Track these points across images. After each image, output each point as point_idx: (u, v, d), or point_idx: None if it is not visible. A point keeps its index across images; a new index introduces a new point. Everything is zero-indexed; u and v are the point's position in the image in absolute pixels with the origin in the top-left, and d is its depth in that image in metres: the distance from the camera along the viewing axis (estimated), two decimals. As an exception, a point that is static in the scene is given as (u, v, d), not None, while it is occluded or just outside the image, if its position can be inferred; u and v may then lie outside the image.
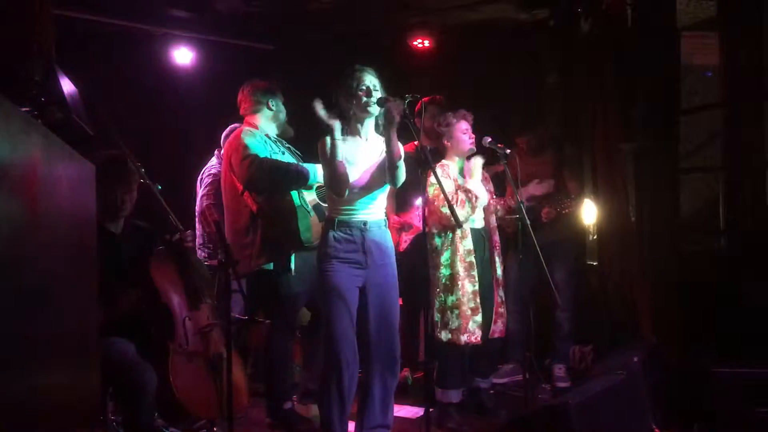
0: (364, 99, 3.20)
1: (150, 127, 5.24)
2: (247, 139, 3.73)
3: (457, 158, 3.96)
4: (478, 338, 3.81)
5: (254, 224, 3.73)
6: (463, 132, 3.91)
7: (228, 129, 4.44)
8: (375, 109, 3.23)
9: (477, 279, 3.81)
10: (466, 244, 3.82)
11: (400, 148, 3.20)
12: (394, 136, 3.15)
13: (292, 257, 3.73)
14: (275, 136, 3.92)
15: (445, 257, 3.82)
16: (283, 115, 3.95)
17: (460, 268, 3.78)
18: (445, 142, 3.95)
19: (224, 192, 3.91)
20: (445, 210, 3.66)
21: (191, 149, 5.24)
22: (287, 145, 3.96)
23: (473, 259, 3.82)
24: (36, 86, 2.35)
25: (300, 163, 3.76)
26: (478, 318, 3.80)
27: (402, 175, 3.21)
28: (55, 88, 2.44)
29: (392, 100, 3.11)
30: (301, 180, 3.71)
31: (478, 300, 3.80)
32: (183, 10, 5.39)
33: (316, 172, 3.69)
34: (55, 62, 2.55)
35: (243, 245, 3.71)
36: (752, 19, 4.10)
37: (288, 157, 3.84)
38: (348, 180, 3.18)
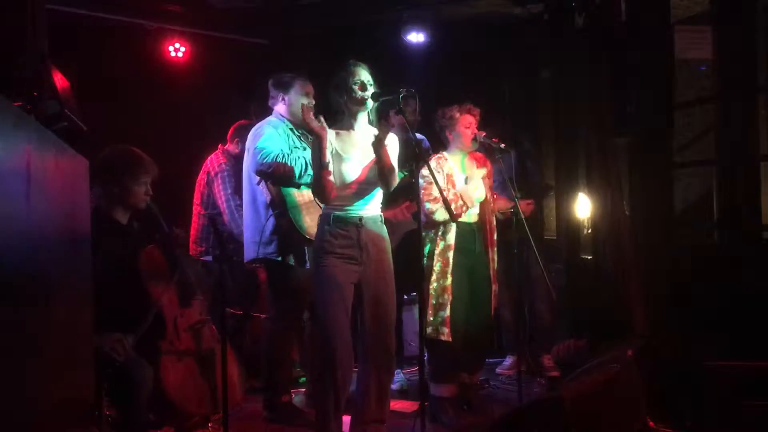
0: (360, 93, 3.20)
1: (142, 122, 5.22)
2: (268, 130, 3.72)
3: (458, 151, 3.94)
4: (442, 335, 3.73)
5: (266, 213, 3.75)
6: (466, 126, 3.87)
7: (237, 124, 4.44)
8: (369, 103, 3.24)
9: (449, 275, 3.78)
10: (447, 240, 3.80)
11: (392, 158, 3.21)
12: (384, 146, 3.17)
13: (306, 251, 3.72)
14: (300, 131, 3.84)
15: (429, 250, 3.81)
16: (298, 111, 3.86)
17: (439, 262, 3.76)
18: (447, 134, 3.93)
19: (244, 176, 3.91)
20: (429, 206, 3.65)
21: (185, 144, 5.22)
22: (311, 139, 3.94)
23: (451, 255, 3.80)
24: (29, 81, 2.34)
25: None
26: (443, 314, 3.75)
27: (395, 180, 3.23)
28: (47, 83, 2.44)
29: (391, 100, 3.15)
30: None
31: (446, 297, 3.76)
32: (176, 4, 5.38)
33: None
34: (47, 57, 2.54)
35: (254, 230, 3.77)
36: (746, 12, 4.10)
37: (308, 154, 3.82)
38: (332, 189, 3.19)
